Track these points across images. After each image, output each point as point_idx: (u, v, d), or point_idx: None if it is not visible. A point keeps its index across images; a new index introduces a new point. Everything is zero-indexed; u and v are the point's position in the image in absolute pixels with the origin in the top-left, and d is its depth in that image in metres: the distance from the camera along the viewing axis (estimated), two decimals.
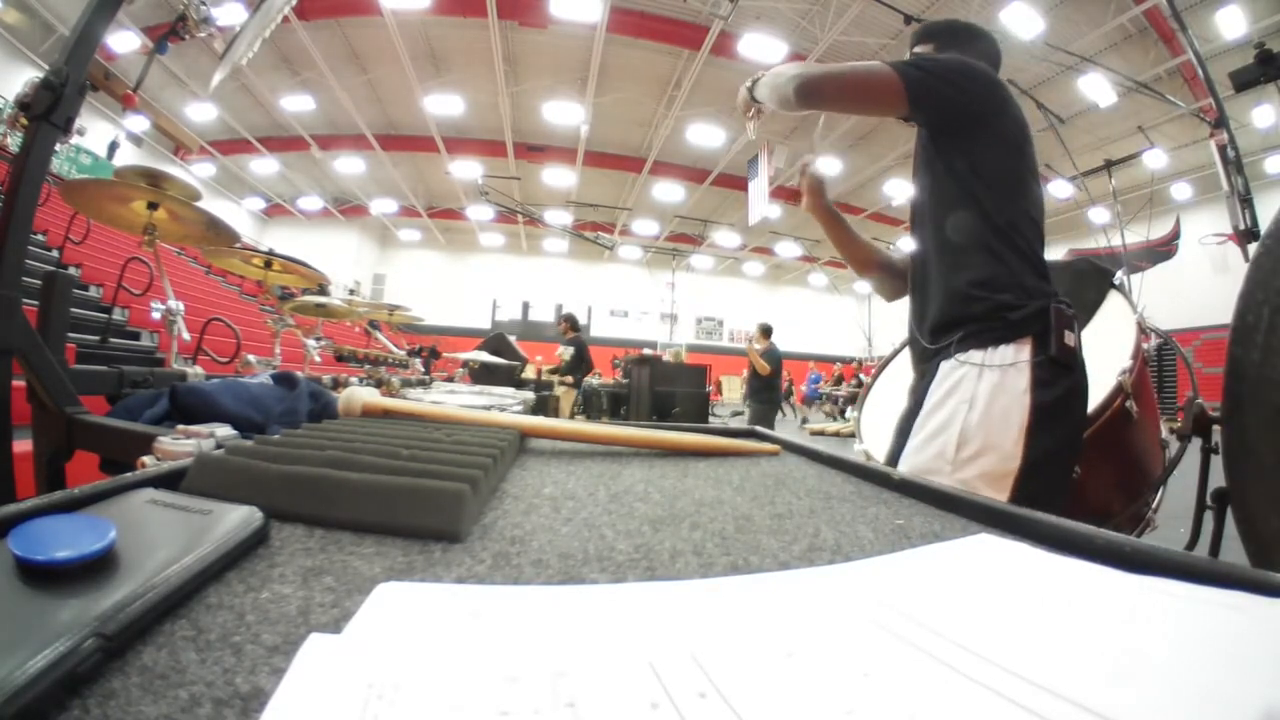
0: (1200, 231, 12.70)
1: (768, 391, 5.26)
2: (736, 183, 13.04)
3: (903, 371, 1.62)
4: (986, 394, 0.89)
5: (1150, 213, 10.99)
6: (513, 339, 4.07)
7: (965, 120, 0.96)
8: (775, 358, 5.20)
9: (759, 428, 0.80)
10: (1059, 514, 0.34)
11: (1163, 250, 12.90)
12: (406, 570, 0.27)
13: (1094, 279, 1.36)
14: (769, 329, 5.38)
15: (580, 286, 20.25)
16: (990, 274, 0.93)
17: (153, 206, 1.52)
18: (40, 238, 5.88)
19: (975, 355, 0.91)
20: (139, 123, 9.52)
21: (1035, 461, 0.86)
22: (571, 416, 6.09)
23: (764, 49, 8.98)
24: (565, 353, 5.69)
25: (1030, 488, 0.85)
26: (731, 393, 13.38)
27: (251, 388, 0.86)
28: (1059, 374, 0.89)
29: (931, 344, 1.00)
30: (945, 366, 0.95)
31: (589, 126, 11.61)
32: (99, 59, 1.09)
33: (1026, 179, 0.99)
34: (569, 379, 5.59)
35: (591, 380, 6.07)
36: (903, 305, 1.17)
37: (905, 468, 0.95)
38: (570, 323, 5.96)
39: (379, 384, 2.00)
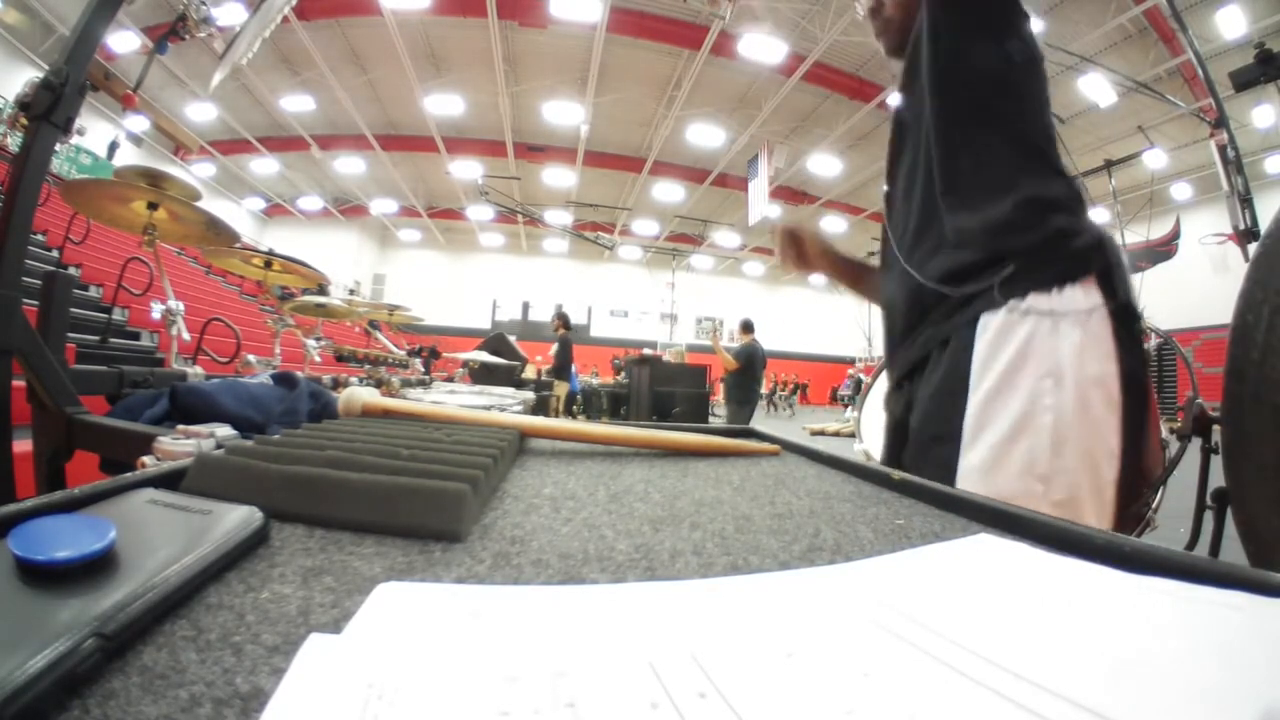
0: (1200, 231, 12.72)
1: (739, 390, 5.15)
2: (736, 183, 13.05)
3: None
4: (1074, 359, 0.61)
5: (1150, 213, 11.01)
6: (512, 339, 4.07)
7: (998, 13, 0.73)
8: (749, 354, 5.10)
9: (758, 428, 0.80)
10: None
11: (1163, 250, 12.91)
12: (406, 570, 0.27)
13: None
14: (750, 324, 5.35)
15: (580, 286, 20.27)
16: (1039, 192, 0.68)
17: (153, 206, 1.53)
18: (40, 238, 5.89)
19: (1039, 301, 0.62)
20: (139, 123, 9.55)
21: (1128, 461, 0.64)
22: (572, 415, 6.21)
23: (764, 49, 8.99)
24: (554, 349, 6.20)
25: (1127, 498, 0.63)
26: None
27: (251, 388, 0.87)
28: (1135, 328, 0.66)
29: (954, 287, 0.68)
30: (994, 321, 0.64)
31: (589, 126, 11.63)
32: (99, 59, 1.09)
33: (1047, 106, 0.75)
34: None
35: (591, 380, 6.30)
36: None
37: (979, 490, 0.56)
38: (563, 320, 6.25)
39: (379, 384, 2.00)
